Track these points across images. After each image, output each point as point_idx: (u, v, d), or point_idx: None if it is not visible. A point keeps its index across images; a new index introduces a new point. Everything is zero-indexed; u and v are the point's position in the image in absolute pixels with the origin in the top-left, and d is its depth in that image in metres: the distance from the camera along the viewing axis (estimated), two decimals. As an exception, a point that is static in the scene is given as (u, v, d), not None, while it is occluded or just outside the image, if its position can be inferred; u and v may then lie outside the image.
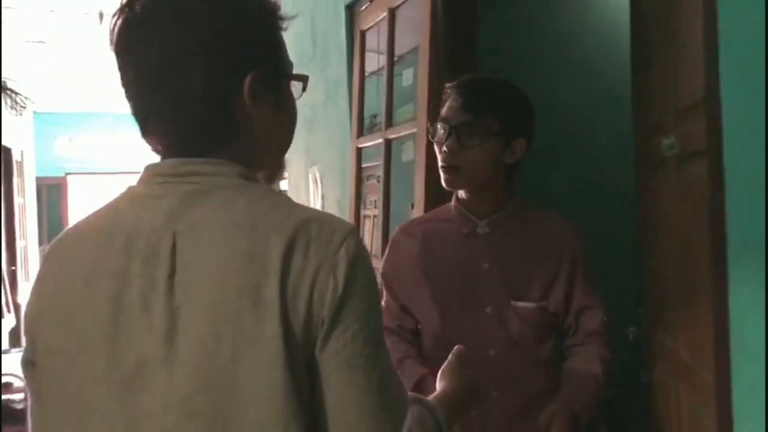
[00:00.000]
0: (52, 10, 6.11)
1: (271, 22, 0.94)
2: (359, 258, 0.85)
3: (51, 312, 0.89)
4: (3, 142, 6.31)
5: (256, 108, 0.91)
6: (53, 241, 0.95)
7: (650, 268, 1.94)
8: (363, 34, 2.80)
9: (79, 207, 11.66)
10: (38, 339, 0.91)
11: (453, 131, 1.57)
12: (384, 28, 2.58)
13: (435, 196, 2.21)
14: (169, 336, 0.82)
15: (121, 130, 10.91)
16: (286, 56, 0.97)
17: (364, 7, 2.78)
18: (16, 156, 7.02)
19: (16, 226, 6.93)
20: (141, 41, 0.89)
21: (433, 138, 1.63)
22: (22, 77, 7.26)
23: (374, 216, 2.67)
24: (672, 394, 1.74)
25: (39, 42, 7.00)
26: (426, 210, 2.14)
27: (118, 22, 0.90)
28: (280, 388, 0.81)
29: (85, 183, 11.79)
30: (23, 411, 5.08)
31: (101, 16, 6.09)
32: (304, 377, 0.83)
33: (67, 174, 10.98)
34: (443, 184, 1.63)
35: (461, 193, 1.67)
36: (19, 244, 7.23)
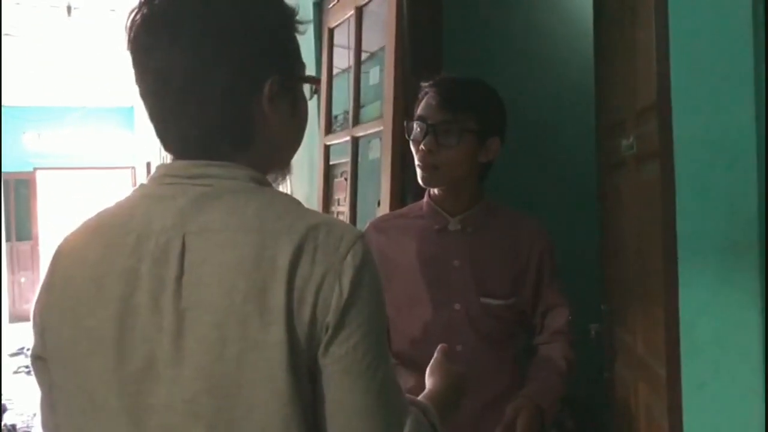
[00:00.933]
0: (17, 3, 6.00)
1: (289, 27, 0.94)
2: (365, 265, 0.85)
3: (60, 309, 0.89)
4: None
5: (273, 111, 0.91)
6: (63, 238, 0.94)
7: (610, 267, 1.97)
8: (331, 31, 2.80)
9: (49, 202, 11.52)
10: (47, 335, 0.91)
11: (430, 130, 1.58)
12: (351, 25, 2.59)
13: (401, 193, 2.23)
14: (177, 337, 0.83)
15: (90, 124, 10.79)
16: (301, 60, 0.97)
17: (331, 5, 2.78)
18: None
19: (-17, 222, 6.81)
20: (162, 40, 0.87)
21: (409, 137, 1.65)
22: (-12, 70, 7.13)
23: (344, 214, 2.68)
24: (630, 388, 1.78)
25: (5, 35, 6.88)
26: (392, 208, 2.15)
27: (137, 19, 0.89)
28: (284, 394, 0.81)
29: (55, 178, 11.63)
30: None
31: (69, 9, 6.01)
32: (307, 383, 0.84)
33: (36, 169, 10.81)
34: (420, 181, 1.64)
35: (434, 191, 1.69)
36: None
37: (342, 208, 2.74)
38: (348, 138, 2.59)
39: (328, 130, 2.79)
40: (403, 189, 2.22)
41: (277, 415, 0.81)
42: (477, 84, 1.67)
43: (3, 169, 8.75)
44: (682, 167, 1.16)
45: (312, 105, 2.93)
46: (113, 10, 6.00)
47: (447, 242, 1.67)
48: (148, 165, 9.22)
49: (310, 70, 2.98)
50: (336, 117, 2.83)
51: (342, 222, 0.92)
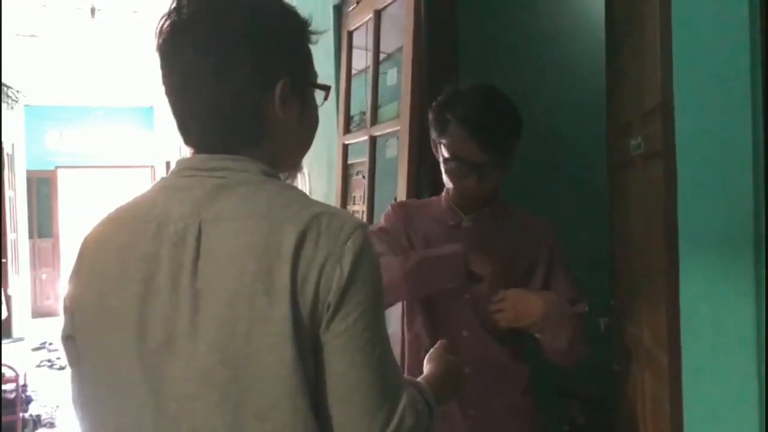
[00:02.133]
0: (44, 5, 6.15)
1: (302, 35, 1.03)
2: (364, 250, 0.92)
3: (88, 291, 0.99)
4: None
5: (284, 113, 1.00)
6: (91, 228, 1.03)
7: (619, 262, 2.04)
8: (350, 34, 2.88)
9: (69, 200, 11.70)
10: (76, 316, 1.00)
11: (472, 169, 1.64)
12: (370, 28, 2.66)
13: (417, 191, 2.30)
14: (193, 315, 0.91)
15: (110, 124, 10.95)
16: (313, 67, 1.06)
17: (351, 8, 2.86)
18: (6, 149, 7.05)
19: (7, 218, 6.96)
20: (187, 45, 0.97)
21: (447, 172, 1.69)
22: (14, 71, 7.29)
23: (361, 211, 2.75)
24: (638, 380, 1.84)
25: (31, 36, 7.03)
26: (408, 204, 2.22)
27: (166, 25, 0.98)
28: (288, 365, 0.89)
29: (75, 176, 11.81)
30: (14, 400, 5.15)
31: (93, 11, 6.14)
32: (311, 357, 0.91)
33: (58, 167, 10.99)
34: (453, 203, 1.75)
35: (453, 193, 1.76)
36: (10, 236, 7.26)
37: (357, 207, 2.82)
38: (366, 137, 2.67)
39: (347, 129, 2.87)
40: (419, 187, 2.30)
41: (283, 384, 0.89)
42: (503, 110, 1.68)
43: (27, 168, 8.94)
44: (683, 165, 1.23)
45: (331, 105, 3.03)
46: (135, 12, 6.13)
47: (459, 235, 1.74)
48: (168, 164, 9.35)
49: (329, 72, 3.09)
50: (353, 117, 2.91)
51: (344, 211, 1.00)
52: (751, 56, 1.10)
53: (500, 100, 1.71)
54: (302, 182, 3.57)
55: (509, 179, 1.86)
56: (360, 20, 2.78)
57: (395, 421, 0.93)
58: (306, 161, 3.59)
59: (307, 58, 1.05)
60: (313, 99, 1.07)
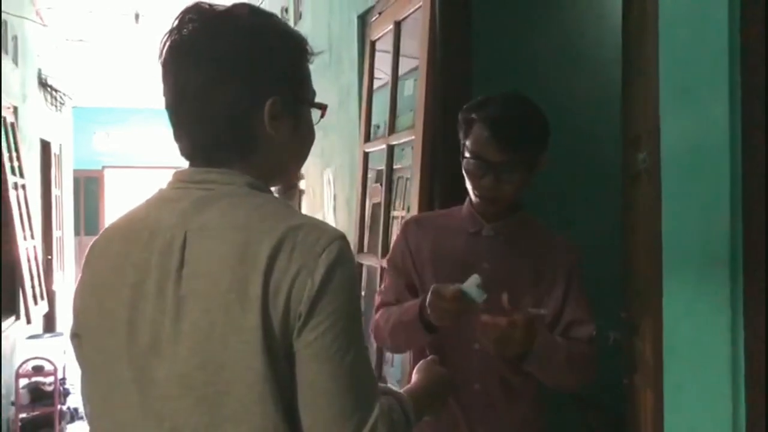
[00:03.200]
0: (90, 11, 6.36)
1: (295, 56, 1.06)
2: (339, 262, 0.95)
3: (88, 294, 1.05)
4: (43, 136, 6.59)
5: (274, 128, 1.03)
6: (99, 234, 1.10)
7: (627, 275, 2.04)
8: (373, 44, 2.93)
9: (115, 199, 12.04)
10: (80, 316, 1.07)
11: (491, 169, 1.64)
12: (391, 39, 2.71)
13: (429, 199, 2.34)
14: (176, 320, 0.96)
15: (155, 125, 11.21)
16: (309, 85, 1.09)
17: (374, 19, 2.91)
18: (54, 149, 7.29)
19: (53, 216, 7.20)
20: (182, 62, 1.01)
21: (466, 171, 1.69)
22: (63, 74, 7.55)
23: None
24: (642, 395, 1.84)
25: (79, 41, 7.29)
26: (421, 213, 2.26)
27: (167, 42, 1.03)
28: (259, 373, 0.92)
29: (121, 176, 12.14)
30: (53, 393, 5.33)
31: (137, 16, 6.33)
32: (284, 365, 0.94)
33: (104, 167, 11.32)
34: (475, 207, 1.72)
35: (475, 201, 1.74)
36: (56, 234, 7.50)
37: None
38: (384, 145, 2.72)
39: (367, 138, 2.92)
40: (431, 195, 2.33)
41: (253, 390, 0.93)
42: (528, 115, 1.68)
43: (74, 167, 9.23)
44: (667, 187, 1.25)
45: (355, 114, 3.09)
46: (177, 18, 6.29)
47: (479, 245, 1.73)
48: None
49: (352, 81, 3.15)
50: (378, 126, 2.95)
51: (324, 224, 1.02)
52: (730, 86, 1.11)
53: (526, 106, 1.70)
54: (328, 189, 3.63)
55: (531, 188, 1.86)
56: (382, 31, 2.83)
57: (366, 430, 0.95)
58: (332, 168, 3.67)
59: (302, 78, 1.07)
60: (308, 116, 1.09)
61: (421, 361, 1.34)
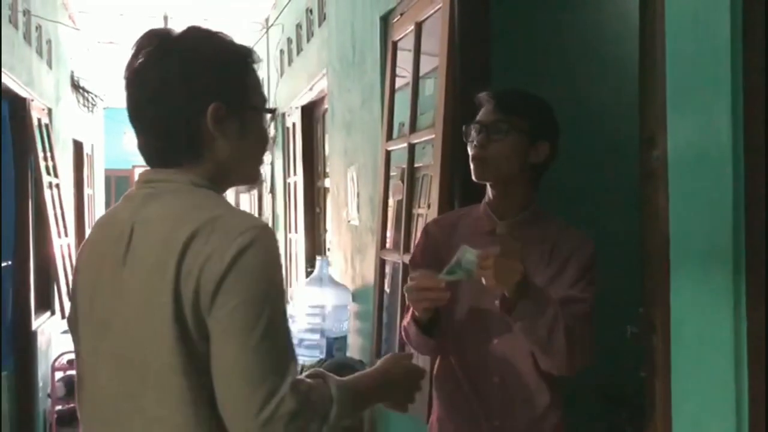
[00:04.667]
0: (121, 14, 6.51)
1: (239, 65, 1.20)
2: (251, 246, 1.07)
3: (76, 280, 1.24)
4: (76, 137, 6.76)
5: (218, 132, 1.16)
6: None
7: (646, 271, 2.07)
8: (395, 44, 2.99)
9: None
10: (71, 300, 1.27)
11: (483, 129, 1.73)
12: (412, 40, 2.76)
13: (449, 197, 2.39)
14: (118, 299, 1.12)
15: (185, 125, 11.40)
16: (254, 93, 1.21)
17: (395, 20, 2.97)
18: (87, 149, 7.47)
19: (86, 215, 7.38)
20: (136, 79, 1.18)
21: (467, 139, 1.77)
22: (94, 76, 7.73)
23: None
24: (655, 385, 1.87)
25: (109, 43, 7.45)
26: (441, 211, 2.31)
27: (128, 62, 1.20)
28: (169, 346, 1.06)
29: (151, 175, 12.33)
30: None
31: (165, 19, 6.47)
32: (200, 342, 1.06)
33: (134, 166, 11.54)
34: (473, 177, 1.77)
35: (489, 194, 1.81)
36: (88, 232, 7.66)
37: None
38: (405, 144, 2.77)
39: (389, 136, 2.98)
40: (452, 193, 2.38)
41: (164, 362, 1.07)
42: (532, 95, 1.80)
43: (106, 167, 9.44)
44: (674, 183, 1.29)
45: (377, 113, 3.15)
46: (206, 20, 6.41)
47: (494, 244, 1.74)
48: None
49: (374, 81, 3.20)
50: (402, 124, 3.00)
51: (248, 215, 1.15)
52: (732, 85, 1.15)
53: (533, 96, 1.79)
54: (352, 186, 3.70)
55: (547, 182, 1.89)
56: (403, 31, 2.88)
57: (273, 403, 1.03)
58: (355, 166, 3.72)
59: (246, 85, 1.20)
60: (255, 121, 1.22)
61: (392, 354, 1.40)
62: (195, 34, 1.19)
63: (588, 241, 1.77)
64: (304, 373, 1.18)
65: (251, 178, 1.26)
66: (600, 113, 2.90)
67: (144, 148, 1.20)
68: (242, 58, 1.20)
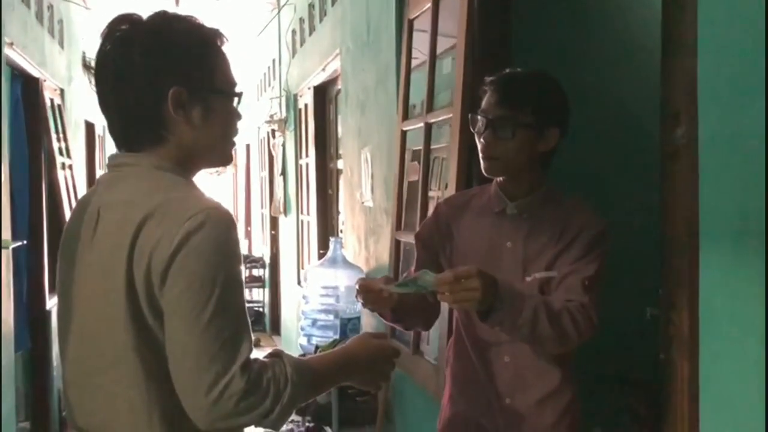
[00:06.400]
0: (132, -5, 6.46)
1: (201, 50, 1.19)
2: (201, 228, 1.07)
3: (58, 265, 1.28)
4: (87, 118, 6.76)
5: (181, 115, 1.17)
6: None
7: (667, 251, 2.04)
8: (411, 22, 2.95)
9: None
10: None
11: (489, 124, 1.70)
12: (429, 16, 2.73)
13: (467, 177, 2.36)
14: (85, 279, 1.16)
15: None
16: (221, 76, 1.21)
17: (411, -3, 2.93)
18: (98, 131, 7.47)
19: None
20: (100, 65, 1.20)
21: (473, 128, 1.76)
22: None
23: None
24: (678, 371, 1.85)
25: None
26: (458, 190, 2.29)
27: (96, 52, 1.21)
28: (121, 324, 1.10)
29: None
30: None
31: (177, 1, 6.42)
32: (151, 320, 1.10)
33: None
34: (483, 171, 1.76)
35: (500, 178, 1.79)
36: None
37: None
38: (422, 124, 2.75)
39: (405, 116, 2.95)
40: (470, 172, 2.36)
41: (116, 338, 1.11)
42: (536, 78, 1.74)
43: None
44: (705, 160, 1.26)
45: (393, 93, 3.12)
46: (217, 0, 6.37)
47: (503, 225, 1.77)
48: (248, 146, 9.70)
49: (390, 59, 3.17)
50: (415, 105, 2.98)
51: (202, 198, 1.15)
52: (767, 61, 1.12)
53: (540, 75, 1.75)
54: (366, 167, 3.68)
55: (564, 164, 1.87)
56: (420, 9, 2.84)
57: (221, 383, 1.05)
58: (369, 147, 3.69)
59: (209, 69, 1.20)
60: (222, 104, 1.22)
61: (362, 333, 1.41)
62: (160, 19, 1.19)
63: (599, 221, 1.74)
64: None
65: (220, 161, 1.26)
66: (619, 93, 2.86)
67: (112, 132, 1.22)
68: (207, 41, 1.20)
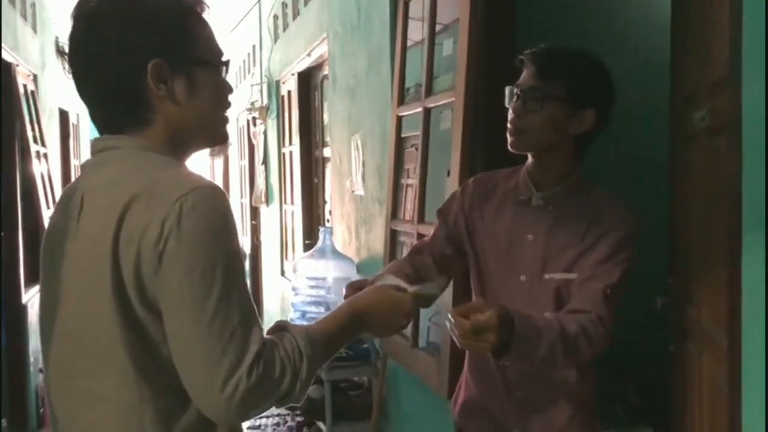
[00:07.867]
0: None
1: (180, 18, 1.09)
2: (193, 211, 0.98)
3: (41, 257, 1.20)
4: (61, 106, 6.56)
5: (163, 90, 1.07)
6: None
7: (678, 240, 1.98)
8: (406, 4, 2.85)
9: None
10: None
11: (520, 95, 1.61)
12: (426, -2, 2.63)
13: (471, 163, 2.27)
14: (70, 268, 1.07)
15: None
16: (204, 45, 1.11)
17: (407, -23, 2.82)
18: (72, 119, 7.26)
19: (73, 186, 7.19)
20: (72, 50, 1.10)
21: (507, 103, 1.66)
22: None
23: (414, 185, 2.72)
24: (695, 363, 1.79)
25: (94, 8, 7.19)
26: (462, 178, 2.20)
27: (68, 35, 1.11)
28: (109, 315, 1.00)
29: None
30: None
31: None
32: (141, 311, 1.00)
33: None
34: (509, 147, 1.65)
35: (529, 161, 1.70)
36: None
37: (411, 180, 2.80)
38: (420, 109, 2.65)
39: (401, 101, 2.85)
40: (473, 159, 2.27)
41: (103, 331, 1.02)
42: (573, 53, 1.64)
43: (90, 137, 9.21)
44: (749, 140, 1.18)
45: (386, 77, 3.01)
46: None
47: (527, 215, 1.68)
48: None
49: (383, 43, 3.06)
50: (408, 89, 2.88)
51: (192, 176, 1.05)
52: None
53: (579, 50, 1.65)
54: (357, 155, 3.57)
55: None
56: (416, -11, 2.74)
57: (237, 375, 0.96)
58: (360, 134, 3.60)
59: (189, 38, 1.10)
60: (209, 76, 1.12)
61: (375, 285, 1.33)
62: None
63: (629, 219, 1.63)
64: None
65: (213, 139, 1.16)
66: (625, 74, 2.78)
67: (94, 117, 1.13)
68: (184, 9, 1.11)
